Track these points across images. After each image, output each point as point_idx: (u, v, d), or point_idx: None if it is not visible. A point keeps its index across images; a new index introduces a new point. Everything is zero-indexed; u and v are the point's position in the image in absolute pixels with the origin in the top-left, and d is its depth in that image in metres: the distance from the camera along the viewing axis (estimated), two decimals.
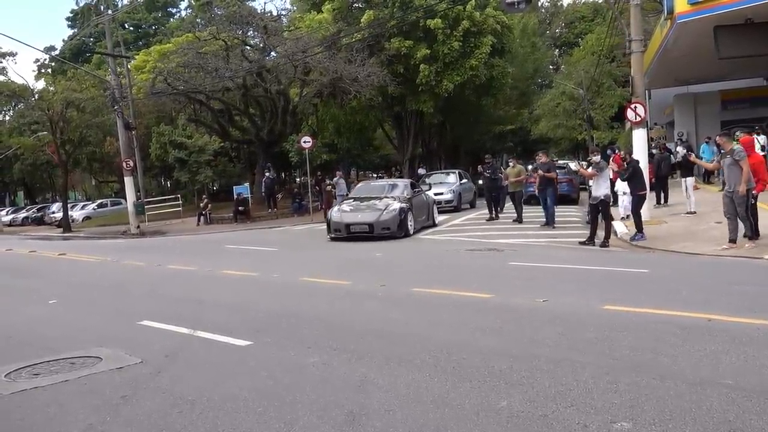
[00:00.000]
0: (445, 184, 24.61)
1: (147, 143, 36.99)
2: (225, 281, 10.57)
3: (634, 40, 15.94)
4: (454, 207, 23.37)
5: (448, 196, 23.50)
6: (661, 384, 4.32)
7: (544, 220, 16.48)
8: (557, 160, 33.06)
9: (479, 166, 23.08)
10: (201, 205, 29.72)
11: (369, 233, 15.82)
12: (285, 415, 4.14)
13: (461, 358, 5.13)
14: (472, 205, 24.94)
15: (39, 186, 63.95)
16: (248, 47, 32.65)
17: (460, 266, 11.21)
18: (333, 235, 16.47)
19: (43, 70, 58.90)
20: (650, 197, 16.47)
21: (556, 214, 16.52)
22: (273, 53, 32.09)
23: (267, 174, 30.01)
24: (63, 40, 67.22)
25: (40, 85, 46.04)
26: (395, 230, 15.83)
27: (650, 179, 16.81)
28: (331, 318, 7.17)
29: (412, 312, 7.23)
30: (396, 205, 16.26)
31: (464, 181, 25.71)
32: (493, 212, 19.29)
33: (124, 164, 28.28)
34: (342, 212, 16.79)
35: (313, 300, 8.31)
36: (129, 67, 35.14)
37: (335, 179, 26.82)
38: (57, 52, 56.33)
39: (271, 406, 4.32)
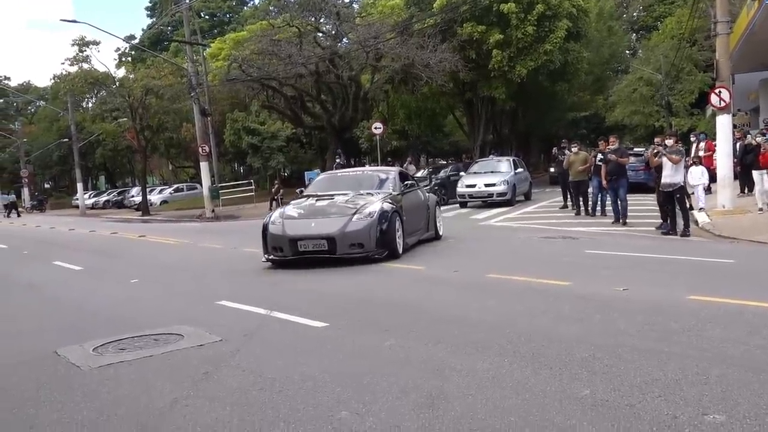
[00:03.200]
0: (497, 174, 21.27)
1: (221, 129, 37.80)
2: (298, 264, 10.69)
3: (720, 22, 15.29)
4: (507, 200, 20.40)
5: (500, 188, 20.38)
6: (756, 377, 4.11)
7: (613, 216, 14.40)
8: (632, 147, 31.93)
9: (554, 149, 21.47)
10: (273, 190, 30.16)
11: (329, 253, 9.84)
12: (363, 395, 4.14)
13: (540, 345, 5.02)
14: (528, 197, 22.63)
15: (119, 171, 66.34)
16: (321, 34, 32.82)
17: (534, 253, 11.02)
18: (271, 257, 10.35)
19: (123, 59, 60.80)
20: (734, 186, 15.84)
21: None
22: (345, 39, 32.19)
23: (338, 160, 30.23)
24: (142, 30, 69.30)
25: (121, 73, 47.39)
26: (372, 247, 9.89)
27: (735, 168, 16.17)
28: (405, 303, 7.16)
29: (487, 298, 7.14)
30: (375, 206, 10.27)
31: (519, 169, 22.47)
32: (568, 200, 18.01)
33: (200, 149, 29.03)
34: (286, 219, 10.44)
35: (387, 285, 8.32)
36: (205, 54, 35.86)
37: (405, 165, 26.83)
38: (137, 40, 57.91)
39: (349, 387, 4.33)
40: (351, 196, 10.90)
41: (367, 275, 9.21)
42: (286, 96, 33.40)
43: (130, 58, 59.70)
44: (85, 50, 35.91)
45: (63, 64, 63.75)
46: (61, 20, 47.70)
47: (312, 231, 10.03)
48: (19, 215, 42.18)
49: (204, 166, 28.98)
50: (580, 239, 12.24)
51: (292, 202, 11.93)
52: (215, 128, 35.73)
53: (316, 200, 11.14)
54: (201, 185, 31.22)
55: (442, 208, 15.86)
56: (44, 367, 5.30)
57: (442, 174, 25.87)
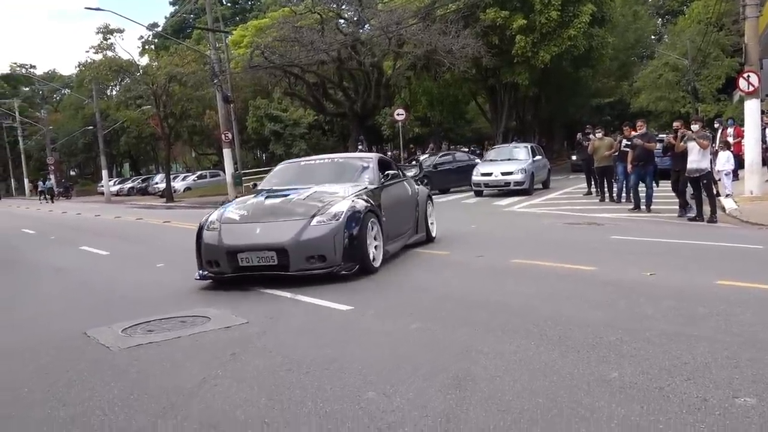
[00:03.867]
0: (514, 161, 20.49)
1: (244, 116, 37.92)
2: None
3: (749, 5, 15.02)
4: (524, 190, 19.56)
5: (518, 177, 19.52)
6: None
7: (633, 204, 14.04)
8: (657, 134, 31.57)
9: (578, 135, 21.03)
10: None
11: (280, 269, 7.39)
12: (390, 377, 4.14)
13: (567, 329, 4.99)
14: (546, 185, 21.98)
15: (143, 158, 66.89)
16: (343, 20, 32.72)
17: (558, 239, 10.93)
18: (206, 272, 7.90)
19: (147, 47, 61.11)
20: (762, 172, 15.60)
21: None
22: (367, 26, 32.05)
23: (360, 147, 30.19)
24: (165, 17, 69.45)
25: (144, 60, 47.77)
26: (338, 260, 7.50)
27: (764, 154, 15.92)
28: (430, 287, 7.15)
29: (512, 283, 7.11)
30: (343, 204, 7.84)
31: (537, 157, 21.58)
32: (593, 186, 17.79)
33: (222, 136, 29.16)
34: (224, 223, 7.98)
35: (411, 269, 8.31)
36: (227, 42, 35.93)
37: (427, 151, 26.72)
38: (160, 28, 58.30)
39: (375, 369, 4.33)
40: (313, 192, 8.35)
41: (393, 259, 9.20)
42: (308, 83, 33.39)
43: (153, 46, 60.00)
44: (110, 38, 36.13)
45: (87, 52, 64.05)
46: (86, 8, 48.06)
47: (257, 239, 7.43)
48: (53, 201, 43.41)
49: (227, 152, 29.13)
50: (604, 225, 12.14)
51: (237, 199, 9.62)
52: (238, 115, 35.84)
53: (266, 197, 8.49)
54: (224, 172, 31.42)
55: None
56: (74, 348, 5.38)
57: (428, 162, 24.69)
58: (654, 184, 13.99)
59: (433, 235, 10.58)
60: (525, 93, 34.77)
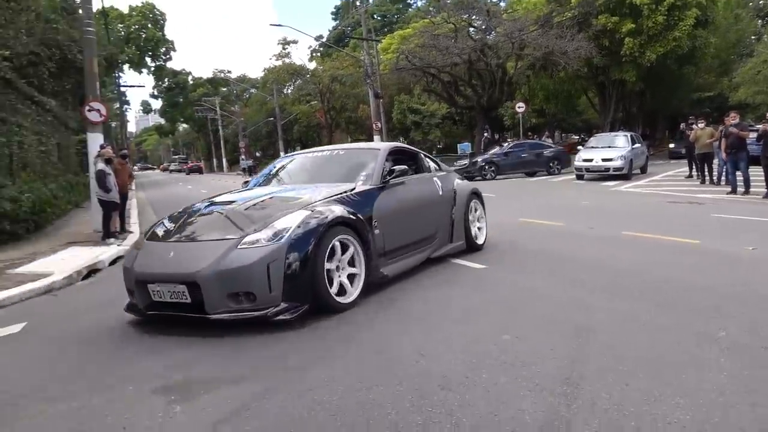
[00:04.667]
0: (614, 148, 19.08)
1: (390, 109, 38.30)
2: None
3: None
4: (623, 174, 18.06)
5: (617, 163, 18.16)
6: None
7: (729, 188, 12.80)
8: (752, 124, 28.63)
9: (681, 125, 19.48)
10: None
11: (193, 310, 4.33)
12: (516, 324, 4.08)
13: (675, 292, 4.70)
14: (643, 171, 20.11)
15: (311, 143, 69.10)
16: (473, 28, 32.18)
17: (663, 215, 10.24)
18: (131, 303, 4.86)
19: (314, 54, 62.93)
20: None
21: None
22: (493, 33, 31.39)
23: (485, 134, 29.78)
24: (329, 30, 71.11)
25: (312, 65, 49.27)
26: (275, 299, 4.27)
27: None
28: (548, 251, 6.91)
29: (622, 252, 6.74)
30: (290, 219, 4.57)
31: (636, 145, 19.83)
32: (694, 170, 16.33)
33: (373, 125, 29.65)
34: (149, 240, 5.01)
35: (529, 234, 8.10)
36: (377, 48, 36.35)
37: (543, 139, 25.92)
38: (324, 39, 59.68)
39: (503, 317, 4.29)
40: (266, 197, 5.37)
41: (513, 227, 9.01)
42: (442, 81, 33.17)
43: (319, 53, 61.73)
44: (287, 48, 37.65)
45: (270, 59, 66.94)
46: (270, 25, 50.59)
47: (167, 266, 4.48)
48: (250, 175, 45.88)
49: (376, 139, 29.61)
50: (705, 204, 11.23)
51: (164, 220, 5.40)
52: (385, 108, 36.28)
53: (210, 203, 5.50)
54: None
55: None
56: None
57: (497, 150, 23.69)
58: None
59: (480, 242, 7.09)
60: (631, 88, 32.67)
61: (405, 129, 40.49)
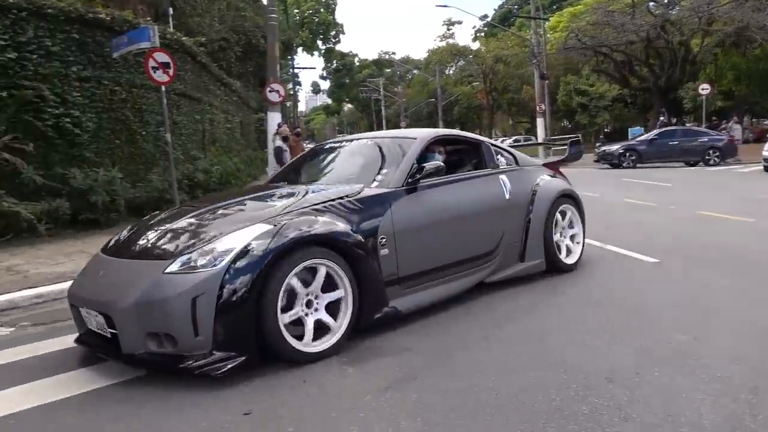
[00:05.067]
0: None
1: (555, 91, 36.94)
2: (623, 207, 10.11)
3: None
4: None
5: None
6: None
7: None
8: None
9: None
10: (597, 144, 28.71)
11: (111, 347, 3.28)
12: (694, 324, 3.80)
13: None
14: None
15: (469, 124, 68.88)
16: (653, 3, 29.81)
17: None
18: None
19: (478, 34, 62.25)
20: None
21: None
22: (678, 7, 28.83)
23: (662, 118, 27.58)
24: (494, 9, 69.75)
25: (476, 45, 48.83)
26: (195, 344, 3.05)
27: None
28: (726, 246, 6.30)
29: None
30: (234, 239, 3.25)
31: None
32: None
33: (537, 108, 28.76)
34: (103, 250, 3.90)
35: (709, 229, 7.44)
36: (545, 27, 35.06)
37: (729, 124, 23.47)
38: (489, 18, 58.69)
39: (679, 315, 4.01)
40: (235, 200, 4.18)
41: (687, 221, 8.33)
42: (615, 61, 31.28)
43: (483, 33, 60.93)
44: (451, 29, 37.67)
45: (435, 40, 67.48)
46: (437, 6, 50.75)
47: (95, 289, 3.49)
48: None
49: (539, 121, 28.69)
50: None
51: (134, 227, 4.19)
52: (550, 90, 34.95)
53: (190, 206, 4.43)
54: (535, 137, 31.04)
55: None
56: None
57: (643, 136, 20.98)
58: None
59: (571, 261, 5.39)
60: None
61: (570, 111, 38.88)
